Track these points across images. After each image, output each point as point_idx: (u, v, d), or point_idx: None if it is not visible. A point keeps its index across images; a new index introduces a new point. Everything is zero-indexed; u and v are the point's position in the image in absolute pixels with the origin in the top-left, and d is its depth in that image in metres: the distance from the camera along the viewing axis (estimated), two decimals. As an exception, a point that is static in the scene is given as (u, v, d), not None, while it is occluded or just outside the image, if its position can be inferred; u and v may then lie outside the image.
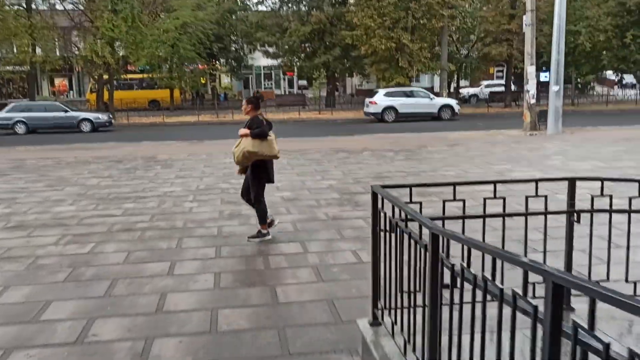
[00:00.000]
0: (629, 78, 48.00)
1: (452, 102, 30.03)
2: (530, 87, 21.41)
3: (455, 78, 41.91)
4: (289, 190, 10.42)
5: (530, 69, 21.29)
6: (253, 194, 7.00)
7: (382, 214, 3.72)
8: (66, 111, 26.87)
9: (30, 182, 11.88)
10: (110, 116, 28.43)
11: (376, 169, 12.75)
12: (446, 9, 30.69)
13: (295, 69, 47.37)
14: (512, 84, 37.55)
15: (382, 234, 3.74)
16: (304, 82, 55.50)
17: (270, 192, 10.23)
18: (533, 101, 21.47)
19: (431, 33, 32.36)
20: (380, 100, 28.12)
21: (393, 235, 3.54)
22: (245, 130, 6.78)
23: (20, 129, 26.09)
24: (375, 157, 14.91)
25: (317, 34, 36.81)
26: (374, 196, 3.85)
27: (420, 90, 30.46)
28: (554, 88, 20.12)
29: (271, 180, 7.14)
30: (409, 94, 29.05)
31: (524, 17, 22.14)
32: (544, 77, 56.77)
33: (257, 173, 6.96)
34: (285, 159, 14.76)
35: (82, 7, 32.12)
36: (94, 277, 5.83)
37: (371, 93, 30.72)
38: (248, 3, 43.85)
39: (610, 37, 32.80)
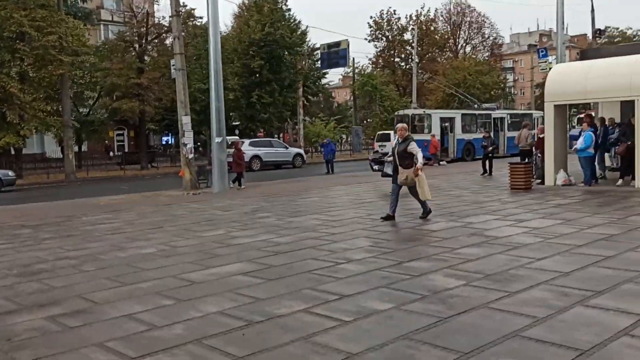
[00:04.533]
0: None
1: None
2: (187, 140, 18.48)
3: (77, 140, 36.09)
4: None
5: (185, 119, 18.38)
6: None
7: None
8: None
9: None
10: None
11: (14, 259, 7.45)
12: (66, 55, 25.51)
13: None
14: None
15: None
16: None
17: None
18: (191, 156, 18.56)
19: (48, 82, 26.49)
20: (247, 149, 26.50)
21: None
22: None
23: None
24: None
25: None
26: None
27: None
28: (216, 140, 17.66)
29: None
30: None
31: (172, 61, 19.37)
32: (166, 140, 55.83)
33: None
34: None
35: None
36: None
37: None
38: None
39: (238, 97, 33.15)
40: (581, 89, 13.32)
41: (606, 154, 15.22)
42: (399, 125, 9.73)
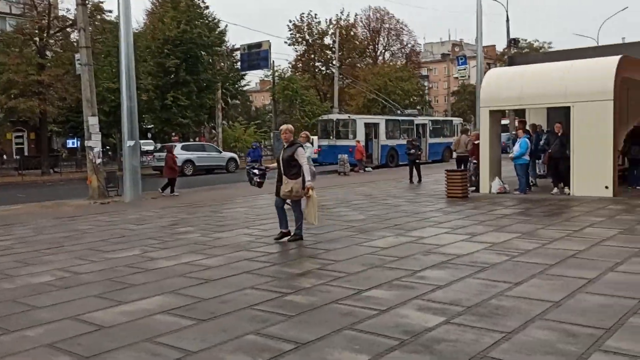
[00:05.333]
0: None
1: None
2: (94, 143, 16.62)
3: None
4: None
5: (92, 120, 16.51)
6: None
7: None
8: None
9: None
10: None
11: None
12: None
13: None
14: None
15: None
16: None
17: None
18: (99, 161, 16.72)
19: None
20: (179, 153, 24.72)
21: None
22: None
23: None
24: None
25: None
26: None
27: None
28: (128, 143, 15.97)
29: None
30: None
31: (77, 55, 17.46)
32: (71, 143, 51.90)
33: None
34: None
35: None
36: None
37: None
38: None
39: (152, 98, 31.04)
40: (517, 94, 13.00)
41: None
42: (284, 126, 8.04)
